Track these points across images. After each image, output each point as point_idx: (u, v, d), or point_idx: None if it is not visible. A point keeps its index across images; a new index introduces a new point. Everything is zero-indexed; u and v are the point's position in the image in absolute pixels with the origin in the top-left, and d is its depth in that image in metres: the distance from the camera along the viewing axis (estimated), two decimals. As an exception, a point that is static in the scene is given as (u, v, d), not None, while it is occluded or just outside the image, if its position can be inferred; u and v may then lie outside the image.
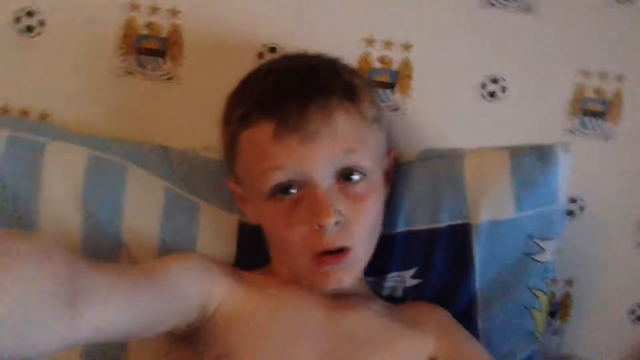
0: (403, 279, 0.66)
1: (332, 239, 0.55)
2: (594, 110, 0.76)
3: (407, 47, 0.72)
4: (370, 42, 0.72)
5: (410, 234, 0.65)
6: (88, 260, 0.50)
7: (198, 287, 0.55)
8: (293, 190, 0.55)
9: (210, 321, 0.55)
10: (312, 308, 0.58)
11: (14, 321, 0.37)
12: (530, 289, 0.64)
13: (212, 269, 0.58)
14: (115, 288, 0.46)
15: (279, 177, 0.55)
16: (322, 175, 0.55)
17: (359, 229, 0.56)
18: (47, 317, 0.39)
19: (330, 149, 0.55)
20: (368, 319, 0.59)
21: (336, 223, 0.54)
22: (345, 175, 0.56)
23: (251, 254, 0.65)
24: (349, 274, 0.57)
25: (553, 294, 0.76)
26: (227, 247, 0.66)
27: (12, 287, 0.37)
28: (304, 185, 0.55)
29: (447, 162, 0.65)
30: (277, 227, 0.57)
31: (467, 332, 0.62)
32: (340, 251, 0.55)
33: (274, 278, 0.61)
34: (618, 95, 0.76)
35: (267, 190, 0.56)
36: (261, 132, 0.55)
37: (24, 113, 0.69)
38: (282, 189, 0.56)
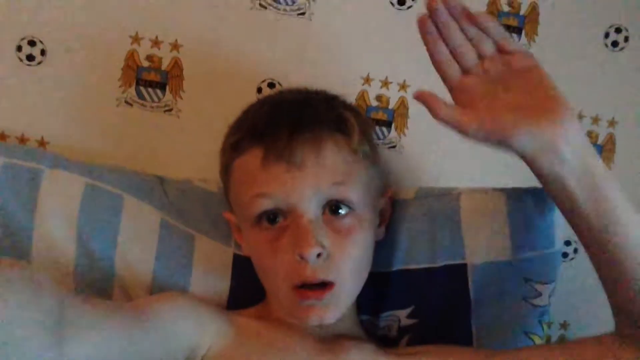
0: (398, 318, 0.65)
1: (314, 272, 0.53)
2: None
3: (403, 86, 0.74)
4: (367, 80, 0.73)
5: (407, 273, 0.64)
6: (79, 292, 0.49)
7: (186, 328, 0.55)
8: (279, 219, 0.55)
9: None
10: (303, 352, 0.57)
11: None
12: (526, 333, 0.63)
13: (201, 310, 0.58)
14: (103, 323, 0.46)
15: (265, 204, 0.55)
16: (308, 204, 0.54)
17: (343, 264, 0.55)
18: (34, 346, 0.39)
19: (316, 179, 0.54)
20: None
21: (319, 255, 0.53)
22: (332, 207, 0.55)
23: (246, 287, 0.64)
24: (331, 310, 0.55)
25: (549, 338, 0.75)
26: (221, 280, 0.65)
27: (1, 311, 0.37)
28: (290, 214, 0.55)
29: (444, 201, 0.65)
30: (261, 255, 0.57)
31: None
32: (323, 285, 0.54)
33: (266, 319, 0.60)
34: (611, 139, 0.77)
35: (253, 217, 0.56)
36: (251, 159, 0.56)
37: (22, 140, 0.69)
38: (269, 217, 0.55)
